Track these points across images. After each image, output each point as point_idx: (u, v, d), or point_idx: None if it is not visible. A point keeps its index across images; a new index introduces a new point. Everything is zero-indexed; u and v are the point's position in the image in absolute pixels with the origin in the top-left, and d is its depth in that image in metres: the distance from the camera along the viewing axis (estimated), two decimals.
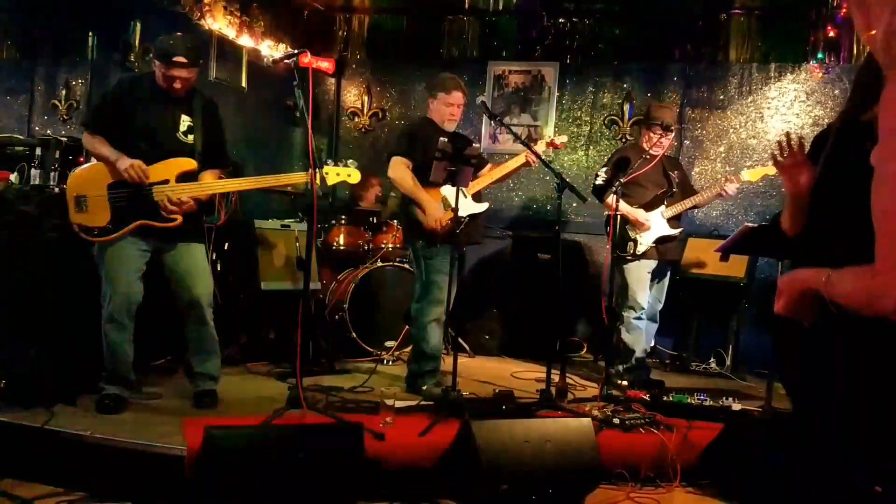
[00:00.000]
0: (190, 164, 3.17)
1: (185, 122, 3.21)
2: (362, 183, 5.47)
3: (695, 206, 4.39)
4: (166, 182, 3.12)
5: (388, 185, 5.64)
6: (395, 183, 3.83)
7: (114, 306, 3.09)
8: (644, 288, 4.27)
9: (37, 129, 5.57)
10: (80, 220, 3.08)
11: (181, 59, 3.09)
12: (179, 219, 3.14)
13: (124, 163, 3.05)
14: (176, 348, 3.60)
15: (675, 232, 4.29)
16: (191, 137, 3.22)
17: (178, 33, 3.27)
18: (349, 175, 3.29)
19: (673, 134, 4.32)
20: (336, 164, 3.26)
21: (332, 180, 3.21)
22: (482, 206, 3.91)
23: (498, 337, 5.40)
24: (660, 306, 4.45)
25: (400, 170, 3.77)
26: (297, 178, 3.25)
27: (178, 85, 3.13)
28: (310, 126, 2.95)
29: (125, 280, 3.11)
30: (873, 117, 1.52)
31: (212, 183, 3.24)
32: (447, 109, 3.85)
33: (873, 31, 1.04)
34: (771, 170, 4.28)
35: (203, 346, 3.30)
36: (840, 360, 1.34)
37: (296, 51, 3.10)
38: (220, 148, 3.37)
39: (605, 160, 4.52)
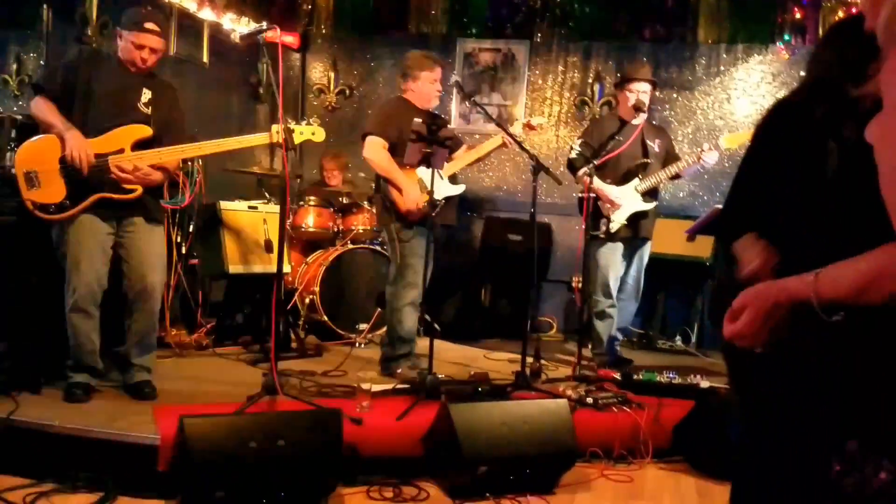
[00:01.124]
0: (145, 130, 3.04)
1: (145, 94, 3.09)
2: (329, 162, 5.43)
3: (675, 177, 4.24)
4: (121, 151, 2.99)
5: (358, 164, 5.60)
6: (370, 163, 3.77)
7: (79, 295, 2.97)
8: (616, 272, 4.19)
9: None
10: (33, 197, 2.91)
11: (152, 25, 3.00)
12: (139, 190, 3.02)
13: (71, 140, 2.89)
14: None
15: (649, 206, 4.14)
16: (150, 110, 3.09)
17: (147, 6, 3.15)
18: (313, 133, 3.21)
19: (648, 87, 4.17)
20: (298, 124, 3.19)
21: (297, 139, 3.12)
22: (458, 189, 3.88)
23: (470, 318, 5.42)
24: (640, 284, 4.32)
25: (376, 150, 3.71)
26: (261, 139, 3.13)
27: (144, 55, 3.02)
28: (280, 104, 2.88)
29: (91, 267, 2.98)
30: (866, 94, 1.48)
31: (169, 149, 3.09)
32: (433, 87, 3.81)
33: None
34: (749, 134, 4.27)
35: (145, 339, 3.18)
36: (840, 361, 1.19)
37: (263, 26, 3.00)
38: (180, 126, 3.26)
39: (582, 132, 4.41)
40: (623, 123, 4.12)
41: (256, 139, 3.10)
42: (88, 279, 2.98)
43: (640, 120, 4.16)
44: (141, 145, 3.04)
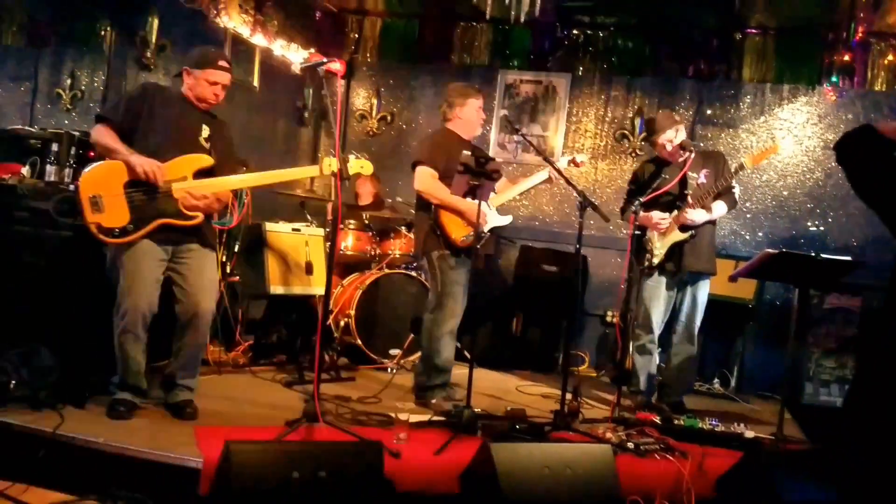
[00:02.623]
0: (206, 160, 3.12)
1: (205, 130, 3.19)
2: (362, 180, 5.46)
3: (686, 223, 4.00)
4: (184, 179, 3.07)
5: (395, 188, 5.64)
6: (423, 193, 3.79)
7: (130, 319, 3.02)
8: (659, 307, 4.06)
9: (39, 117, 5.49)
10: (97, 220, 2.97)
11: (224, 63, 3.13)
12: (201, 216, 3.11)
13: (140, 159, 2.97)
14: None
15: (683, 236, 3.97)
16: (209, 146, 3.19)
17: (206, 46, 3.29)
18: (362, 167, 3.30)
19: (675, 133, 4.02)
20: (349, 156, 3.25)
21: (351, 171, 3.18)
22: (506, 219, 3.91)
23: (500, 347, 5.38)
24: (694, 327, 4.10)
25: (428, 179, 3.74)
26: (314, 170, 3.20)
27: (217, 91, 3.14)
28: (338, 138, 2.92)
29: (143, 292, 3.03)
30: None
31: (230, 178, 3.17)
32: (478, 114, 3.90)
33: None
34: (775, 149, 4.03)
35: (192, 361, 3.23)
36: None
37: (325, 59, 3.09)
38: (234, 163, 3.37)
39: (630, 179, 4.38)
40: (665, 164, 4.08)
41: (310, 170, 3.17)
42: (140, 304, 3.02)
43: (686, 156, 4.06)
44: (201, 174, 3.11)
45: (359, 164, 3.28)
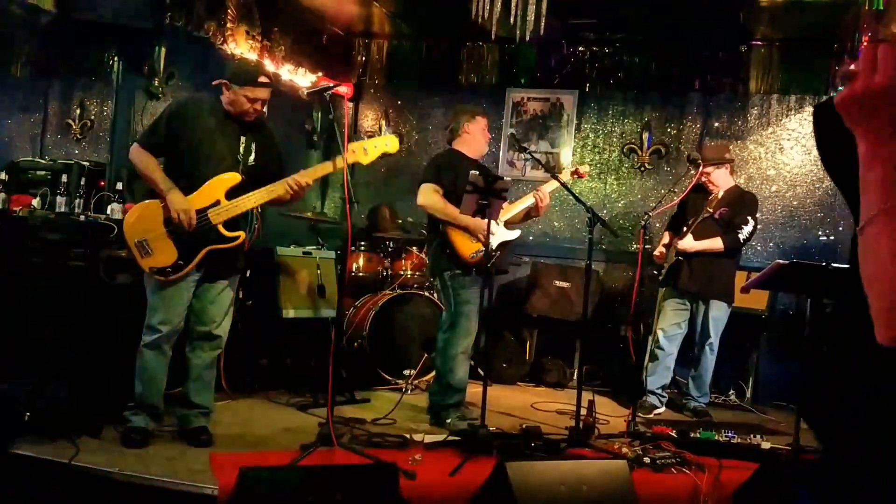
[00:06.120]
0: (234, 178, 3.11)
1: (243, 141, 3.18)
2: (381, 209, 5.49)
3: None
4: (217, 203, 3.08)
5: (405, 209, 5.66)
6: (429, 210, 3.81)
7: (161, 335, 3.06)
8: (665, 316, 4.39)
9: (49, 147, 5.56)
10: (150, 264, 3.03)
11: (265, 79, 3.14)
12: (242, 235, 3.13)
13: (175, 203, 3.01)
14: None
15: (672, 259, 4.39)
16: (250, 158, 3.19)
17: (245, 59, 3.27)
18: (387, 143, 3.18)
19: (702, 167, 4.36)
20: (369, 138, 3.16)
21: (372, 156, 3.14)
22: (514, 234, 3.92)
23: (515, 364, 5.37)
24: (701, 346, 4.46)
25: (432, 196, 3.76)
26: (329, 167, 3.15)
27: (258, 107, 3.14)
28: (345, 159, 2.94)
29: (178, 311, 3.09)
30: None
31: (258, 192, 3.12)
32: (484, 133, 3.98)
33: None
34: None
35: (205, 377, 3.26)
36: None
37: (331, 83, 3.11)
38: (280, 164, 3.33)
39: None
40: (700, 189, 4.47)
41: (327, 167, 3.16)
42: (175, 322, 3.08)
43: (712, 187, 4.42)
44: (234, 190, 3.11)
45: (383, 142, 3.16)
